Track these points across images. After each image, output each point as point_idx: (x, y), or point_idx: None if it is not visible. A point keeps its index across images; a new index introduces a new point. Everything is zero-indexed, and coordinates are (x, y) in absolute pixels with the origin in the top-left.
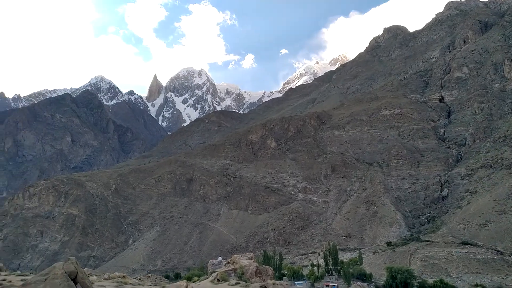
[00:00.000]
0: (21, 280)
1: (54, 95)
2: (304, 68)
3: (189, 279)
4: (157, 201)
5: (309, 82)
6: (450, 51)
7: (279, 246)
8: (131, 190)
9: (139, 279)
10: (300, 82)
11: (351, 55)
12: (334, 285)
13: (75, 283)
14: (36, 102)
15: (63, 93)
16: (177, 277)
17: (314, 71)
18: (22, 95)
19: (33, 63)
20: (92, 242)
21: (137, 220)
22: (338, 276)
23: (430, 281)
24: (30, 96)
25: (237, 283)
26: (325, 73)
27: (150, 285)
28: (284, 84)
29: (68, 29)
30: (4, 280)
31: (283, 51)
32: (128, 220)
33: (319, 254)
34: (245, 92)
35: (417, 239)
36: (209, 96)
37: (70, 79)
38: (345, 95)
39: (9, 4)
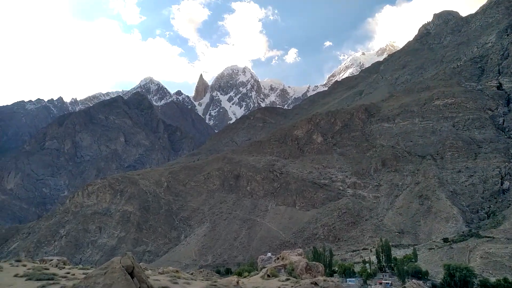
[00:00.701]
0: (83, 274)
1: (108, 98)
2: (349, 59)
3: (239, 274)
4: (206, 198)
5: (355, 74)
6: (508, 35)
7: (328, 242)
8: (181, 187)
9: (192, 273)
10: (346, 74)
11: (399, 44)
12: (388, 283)
13: (132, 277)
14: (91, 105)
15: (115, 95)
16: (228, 272)
17: (360, 62)
18: (78, 99)
19: (87, 69)
20: (146, 237)
21: (188, 216)
22: (392, 273)
23: (493, 279)
24: (85, 99)
25: (287, 279)
26: (372, 64)
27: (202, 279)
28: (329, 77)
29: (117, 34)
30: (68, 273)
31: (327, 43)
32: (180, 216)
33: (371, 251)
34: (289, 87)
35: (476, 235)
36: (253, 93)
37: (121, 82)
38: (394, 86)
39: (63, 15)
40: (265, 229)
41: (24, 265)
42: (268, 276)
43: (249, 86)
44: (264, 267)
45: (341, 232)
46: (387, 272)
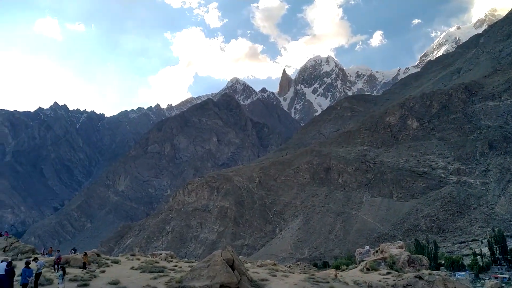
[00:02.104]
0: (189, 266)
1: (199, 101)
2: (443, 36)
3: (337, 267)
4: (297, 191)
5: (451, 51)
6: None
7: (432, 234)
8: (273, 182)
9: (289, 266)
10: (440, 52)
11: (501, 12)
12: (505, 277)
13: (233, 269)
14: (185, 109)
15: (206, 98)
16: (325, 265)
17: (455, 37)
18: (173, 105)
19: (180, 76)
20: (243, 231)
21: (281, 210)
22: (508, 266)
23: None
24: (179, 104)
25: (388, 273)
26: (470, 38)
27: (300, 272)
28: (421, 57)
29: (201, 40)
30: (176, 266)
31: (416, 21)
32: (273, 210)
33: (482, 242)
34: (377, 72)
35: None
36: (338, 82)
37: (211, 84)
38: (497, 60)
39: (157, 29)
40: (361, 222)
41: (138, 259)
42: (368, 269)
43: (333, 76)
44: (363, 260)
45: (446, 222)
46: (504, 265)
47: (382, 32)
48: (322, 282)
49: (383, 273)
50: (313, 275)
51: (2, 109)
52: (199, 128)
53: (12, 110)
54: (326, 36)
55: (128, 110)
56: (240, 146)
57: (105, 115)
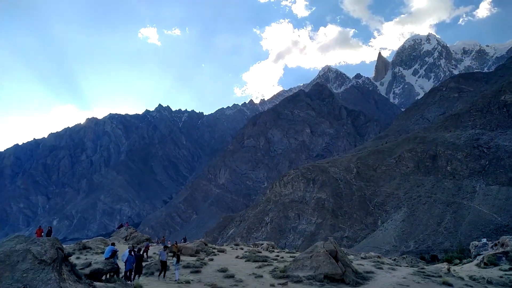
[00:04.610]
0: (290, 257)
1: (290, 93)
2: None
3: (449, 261)
4: (400, 181)
5: None
6: None
7: None
8: (372, 172)
9: (394, 259)
10: None
11: None
12: None
13: (336, 261)
14: (277, 102)
15: (297, 90)
16: (434, 259)
17: None
18: (266, 99)
19: (269, 70)
20: (342, 223)
21: (382, 202)
22: None
23: None
24: (271, 98)
25: (510, 268)
26: None
27: (407, 266)
28: None
29: (289, 32)
30: (278, 256)
31: None
32: (374, 201)
33: None
34: (488, 46)
35: None
36: (442, 61)
37: (301, 75)
38: None
39: (244, 25)
40: (474, 213)
41: (242, 248)
42: (485, 264)
43: (436, 54)
44: (479, 254)
45: None
46: None
47: (490, 0)
48: (433, 277)
49: (504, 269)
50: (422, 268)
51: (116, 113)
52: (292, 120)
53: (124, 114)
54: (424, 12)
55: (224, 107)
56: (334, 136)
57: (204, 113)
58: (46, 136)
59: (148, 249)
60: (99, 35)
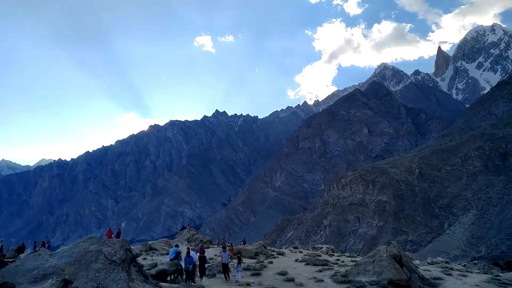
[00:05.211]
0: (351, 261)
1: (345, 93)
2: None
3: None
4: (467, 182)
5: None
6: None
7: None
8: (436, 172)
9: (464, 265)
10: None
11: None
12: None
13: (400, 266)
14: (332, 103)
15: (352, 89)
16: (509, 266)
17: None
18: (320, 100)
19: (322, 71)
20: (405, 227)
21: (448, 204)
22: None
23: None
24: (326, 99)
25: None
26: None
27: (479, 272)
28: None
29: (342, 31)
30: (338, 260)
31: None
32: (439, 203)
33: None
34: None
35: None
36: (510, 52)
37: (356, 75)
38: None
39: (292, 28)
40: None
41: (301, 252)
42: None
43: (502, 45)
44: None
45: None
46: None
47: None
48: (510, 285)
49: None
50: (497, 276)
51: (176, 119)
52: (348, 121)
53: (183, 120)
54: (486, 1)
55: (278, 110)
56: (394, 135)
57: (258, 117)
58: (113, 143)
59: (203, 250)
60: (158, 46)
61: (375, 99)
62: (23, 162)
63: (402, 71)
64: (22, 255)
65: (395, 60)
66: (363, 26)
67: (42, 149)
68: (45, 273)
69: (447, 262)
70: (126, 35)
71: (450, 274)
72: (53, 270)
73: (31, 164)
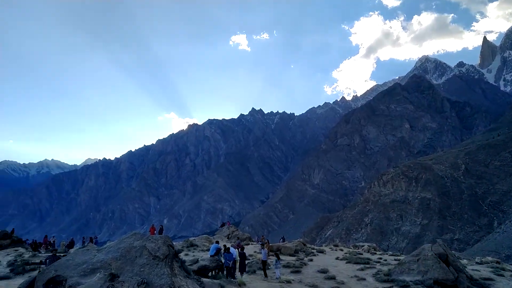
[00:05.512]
0: (394, 260)
1: (385, 87)
2: None
3: None
4: None
5: None
6: None
7: None
8: (483, 168)
9: None
10: None
11: None
12: None
13: (447, 265)
14: (371, 98)
15: (392, 84)
16: None
17: None
18: (358, 95)
19: (360, 65)
20: (451, 225)
21: (498, 201)
22: None
23: None
24: (364, 94)
25: None
26: None
27: None
28: None
29: (379, 25)
30: (380, 258)
31: None
32: (487, 201)
33: None
34: None
35: None
36: None
37: (395, 68)
38: None
39: (331, 22)
40: None
41: (341, 250)
42: None
43: None
44: None
45: None
46: None
47: None
48: None
49: None
50: None
51: (214, 118)
52: (388, 116)
53: (221, 119)
54: None
55: (315, 106)
56: (437, 130)
57: (295, 114)
58: (154, 143)
59: (242, 247)
60: (194, 47)
61: (417, 93)
62: (70, 162)
63: (445, 63)
64: (72, 250)
65: (437, 52)
66: (402, 18)
67: (87, 149)
68: (94, 267)
69: (497, 262)
70: (164, 38)
71: (501, 275)
72: (100, 265)
73: (78, 164)
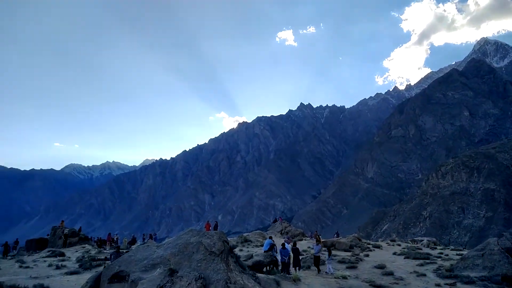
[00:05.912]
0: (457, 254)
1: (441, 74)
2: None
3: None
4: None
5: None
6: None
7: None
8: None
9: None
10: None
11: None
12: None
13: None
14: (425, 86)
15: (448, 70)
16: None
17: None
18: (412, 84)
19: (413, 52)
20: None
21: None
22: None
23: None
24: (419, 82)
25: None
26: None
27: None
28: None
29: (432, 7)
30: (441, 253)
31: None
32: None
33: None
34: None
35: None
36: None
37: (450, 54)
38: None
39: (377, 11)
40: None
41: (399, 245)
42: None
43: None
44: None
45: None
46: None
47: None
48: None
49: None
50: None
51: (263, 115)
52: (445, 104)
53: (269, 115)
54: None
55: (367, 98)
56: (500, 117)
57: (345, 107)
58: (207, 142)
59: (294, 242)
60: (241, 45)
61: (476, 78)
62: (130, 163)
63: (507, 44)
64: (133, 247)
65: (497, 33)
66: (456, 0)
67: (145, 150)
68: (154, 263)
69: None
70: (212, 39)
71: None
72: (160, 260)
73: (137, 164)
